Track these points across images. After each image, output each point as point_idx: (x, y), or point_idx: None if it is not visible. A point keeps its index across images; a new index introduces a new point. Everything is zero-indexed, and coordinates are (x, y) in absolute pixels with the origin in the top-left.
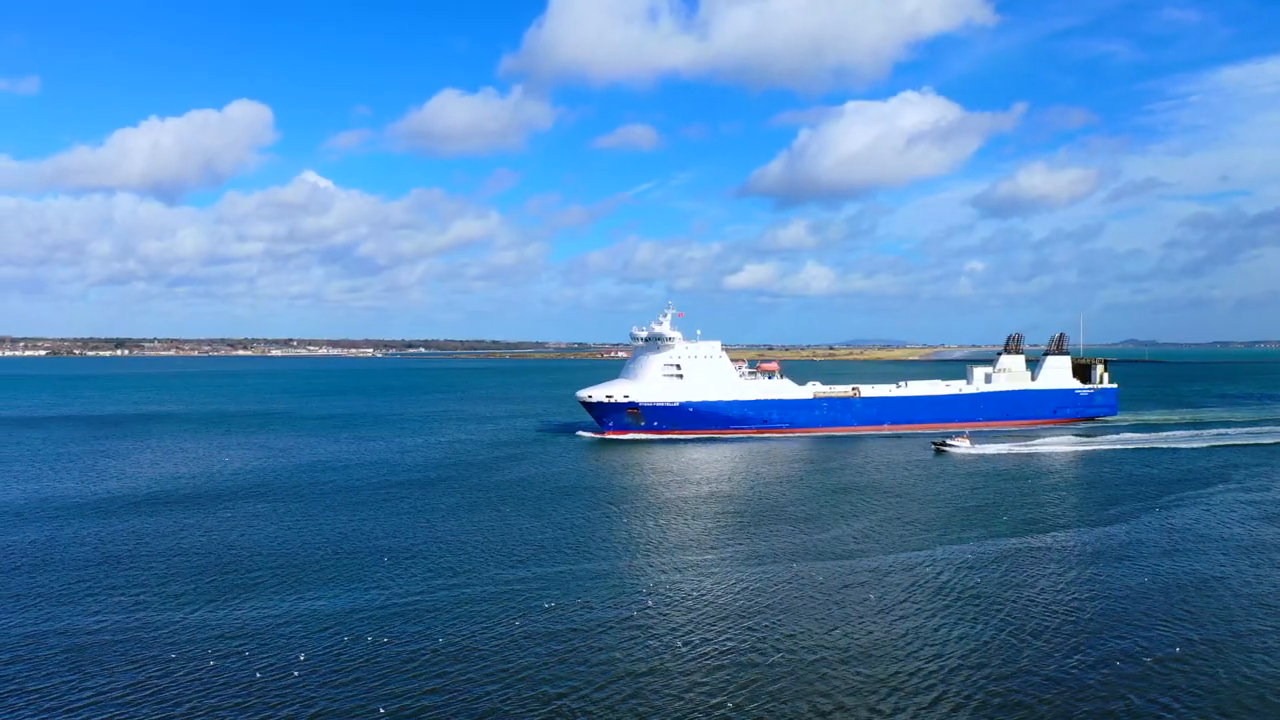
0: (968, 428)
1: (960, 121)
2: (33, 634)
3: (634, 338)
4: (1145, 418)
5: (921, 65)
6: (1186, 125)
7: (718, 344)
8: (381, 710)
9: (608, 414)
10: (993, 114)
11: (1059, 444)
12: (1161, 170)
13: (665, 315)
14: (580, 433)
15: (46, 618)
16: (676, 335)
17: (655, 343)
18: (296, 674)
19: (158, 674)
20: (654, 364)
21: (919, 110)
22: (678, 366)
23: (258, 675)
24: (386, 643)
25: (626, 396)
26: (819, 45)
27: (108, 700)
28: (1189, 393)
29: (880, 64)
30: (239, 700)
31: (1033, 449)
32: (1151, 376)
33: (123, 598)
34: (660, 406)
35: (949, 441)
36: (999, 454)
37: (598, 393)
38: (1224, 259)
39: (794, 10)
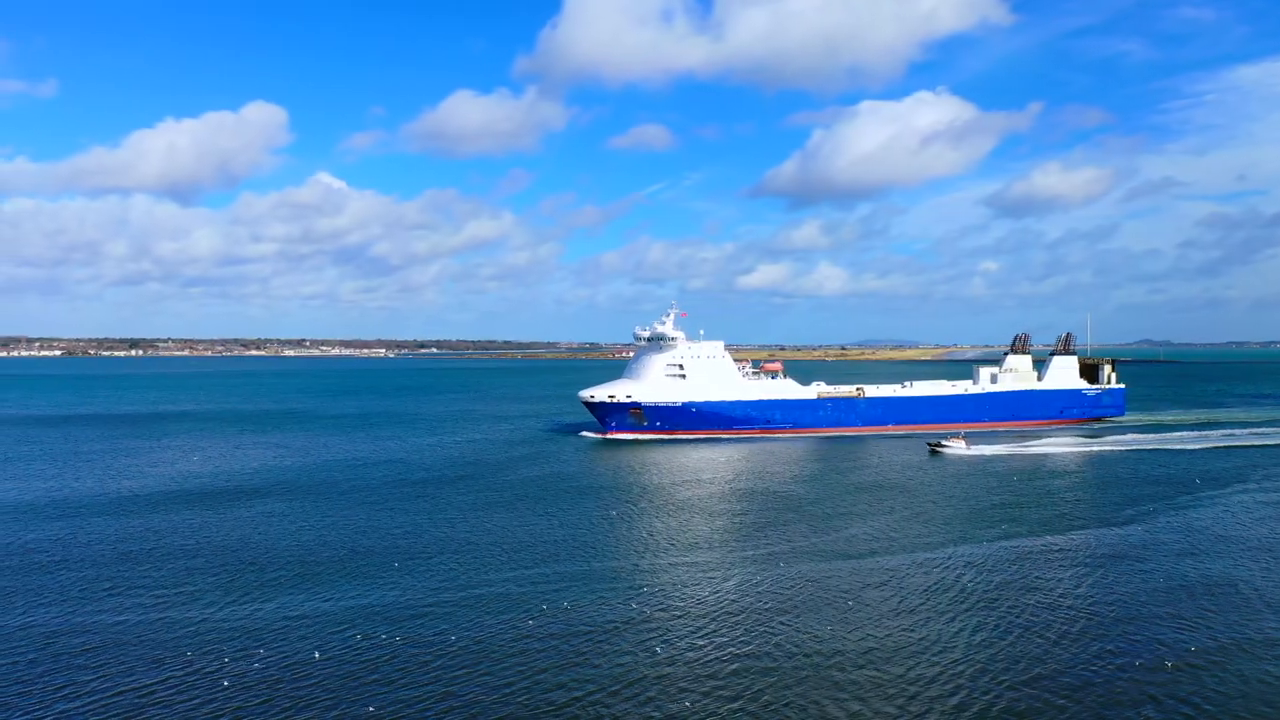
0: (973, 428)
1: (975, 121)
2: (55, 631)
3: (637, 338)
4: (1153, 418)
5: (936, 65)
6: (1202, 124)
7: (720, 344)
8: (400, 710)
9: (610, 414)
10: (1008, 113)
11: (1056, 445)
12: (1177, 169)
13: (668, 315)
14: (584, 433)
15: (68, 615)
16: (679, 335)
17: (658, 343)
18: (315, 673)
19: (179, 671)
20: (657, 364)
21: (933, 110)
22: (680, 366)
23: (276, 674)
24: (401, 641)
25: (629, 396)
26: (833, 45)
27: (130, 697)
28: (1201, 393)
29: (895, 64)
30: (261, 698)
31: (1029, 450)
32: (1164, 376)
33: (143, 596)
34: (663, 407)
35: (944, 442)
36: (994, 455)
37: (600, 393)
38: (1240, 259)
39: (809, 10)
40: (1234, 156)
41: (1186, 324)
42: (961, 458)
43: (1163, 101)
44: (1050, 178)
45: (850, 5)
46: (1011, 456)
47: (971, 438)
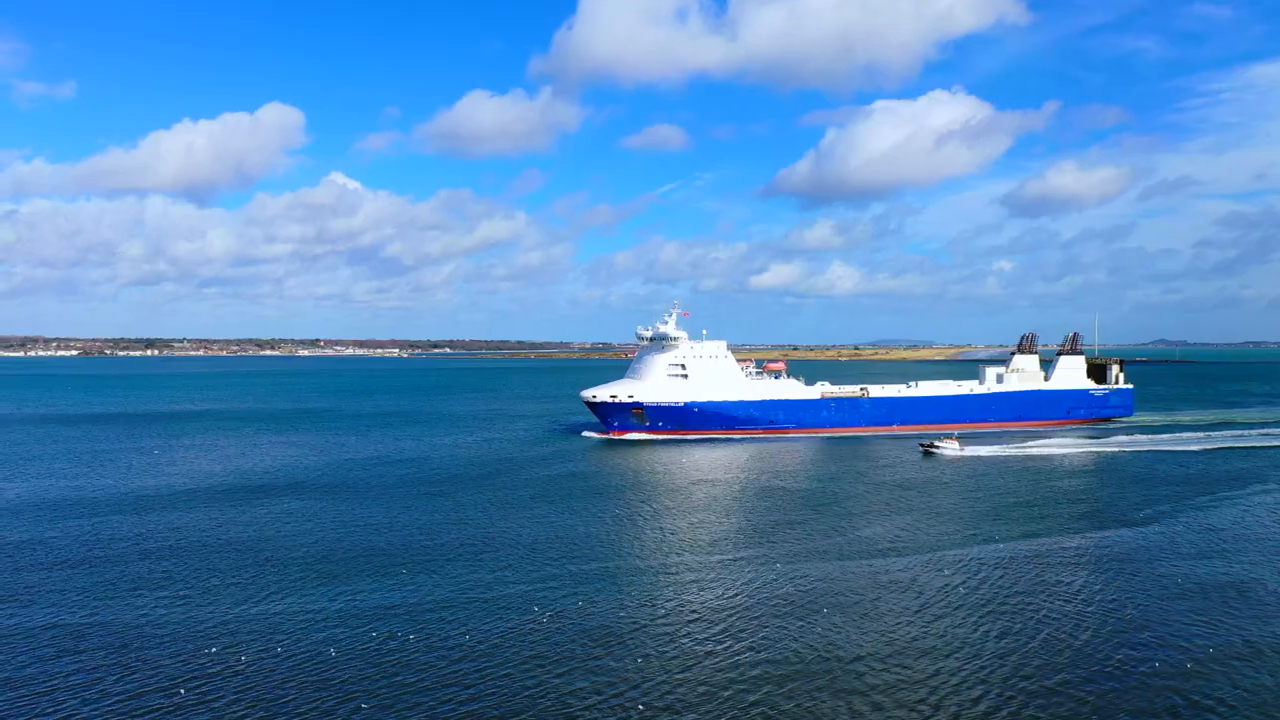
0: (979, 429)
1: (991, 120)
2: (79, 627)
3: (639, 337)
4: (1162, 419)
5: (952, 64)
6: (1219, 123)
7: (723, 343)
8: (418, 710)
9: (612, 414)
10: (1024, 113)
11: (1052, 445)
12: (1195, 168)
13: (670, 315)
14: (585, 433)
15: (92, 612)
16: (682, 335)
17: (660, 342)
18: (335, 670)
19: (202, 669)
20: (659, 364)
21: (949, 109)
22: (683, 366)
23: (296, 672)
24: (416, 640)
25: (631, 397)
26: (849, 44)
27: (155, 697)
28: (1215, 393)
29: (910, 63)
30: (281, 696)
31: (1023, 451)
32: (1178, 377)
33: (164, 593)
34: (665, 407)
35: (937, 443)
36: (988, 456)
37: (602, 393)
38: (1258, 258)
39: (824, 9)
40: (1252, 155)
41: (1202, 324)
42: (955, 459)
43: (1179, 100)
44: (1066, 177)
45: (866, 4)
46: (1006, 458)
47: (975, 438)
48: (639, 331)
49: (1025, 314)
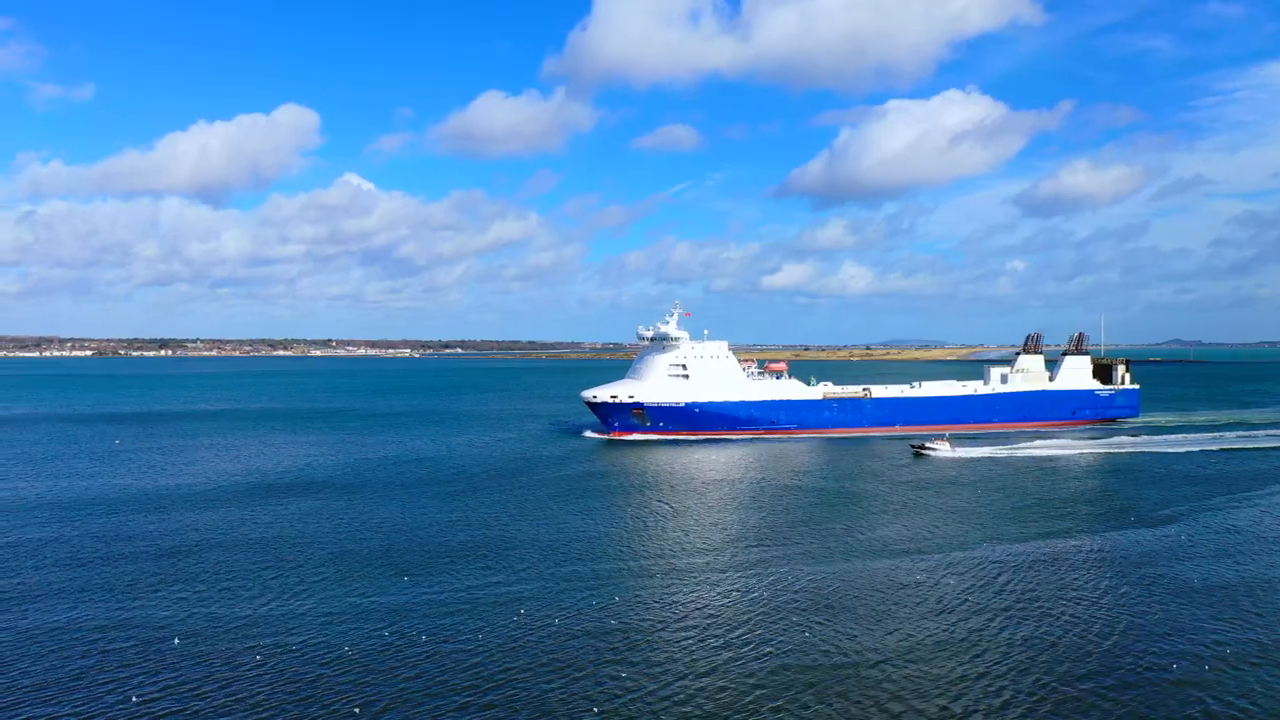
0: (983, 429)
1: (1004, 120)
2: (101, 626)
3: (640, 337)
4: (1167, 420)
5: (965, 64)
6: (1233, 121)
7: (724, 343)
8: (437, 707)
9: (613, 414)
10: (1038, 112)
11: (1047, 447)
12: (1209, 167)
13: (672, 315)
14: (587, 433)
15: (114, 611)
16: (683, 335)
17: (661, 342)
18: (351, 669)
19: (220, 666)
20: (660, 364)
21: (962, 109)
22: (683, 366)
23: (312, 669)
24: (426, 640)
25: (631, 397)
26: (861, 44)
27: (174, 693)
28: (1225, 393)
29: (924, 63)
30: (300, 696)
31: (1018, 452)
32: (1191, 377)
33: (184, 592)
34: (665, 407)
35: (928, 444)
36: (981, 457)
37: (603, 393)
38: (1273, 257)
39: (837, 10)
40: (1266, 154)
41: (1217, 324)
42: (947, 460)
43: (1193, 99)
44: (1079, 176)
45: (879, 5)
46: (998, 459)
47: (967, 439)
48: (640, 331)
49: (1037, 314)
